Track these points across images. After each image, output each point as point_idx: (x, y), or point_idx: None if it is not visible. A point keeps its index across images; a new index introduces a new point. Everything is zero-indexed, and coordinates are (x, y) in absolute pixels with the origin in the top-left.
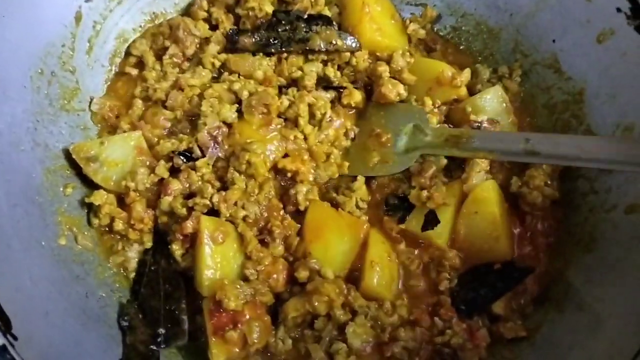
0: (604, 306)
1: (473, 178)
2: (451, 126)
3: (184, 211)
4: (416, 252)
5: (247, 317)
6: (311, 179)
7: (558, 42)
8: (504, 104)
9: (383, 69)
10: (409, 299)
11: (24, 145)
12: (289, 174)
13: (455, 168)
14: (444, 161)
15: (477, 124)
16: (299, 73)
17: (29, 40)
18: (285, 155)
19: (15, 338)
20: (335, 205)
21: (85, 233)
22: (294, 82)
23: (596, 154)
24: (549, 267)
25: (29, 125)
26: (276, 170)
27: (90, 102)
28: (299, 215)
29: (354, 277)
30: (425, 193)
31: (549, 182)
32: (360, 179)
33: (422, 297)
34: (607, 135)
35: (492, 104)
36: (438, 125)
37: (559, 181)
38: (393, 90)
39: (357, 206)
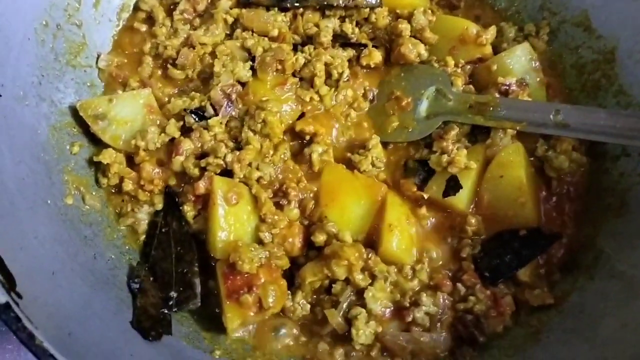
0: (637, 272)
1: (498, 142)
2: (475, 91)
3: (196, 171)
4: (437, 216)
5: (262, 280)
6: (329, 141)
7: None
8: (533, 62)
9: (404, 26)
10: (429, 264)
11: (28, 100)
12: (307, 137)
13: (480, 132)
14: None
15: (505, 87)
16: (315, 29)
17: None
18: (301, 117)
19: (19, 296)
20: (351, 166)
21: (93, 193)
22: (309, 40)
23: (631, 131)
24: (577, 234)
25: (33, 80)
26: (292, 133)
27: (98, 59)
28: (314, 178)
29: (371, 241)
30: (446, 157)
31: (577, 146)
32: (375, 137)
33: (444, 262)
34: None
35: (520, 61)
36: (462, 89)
37: (588, 144)
38: (413, 51)
39: (373, 164)
